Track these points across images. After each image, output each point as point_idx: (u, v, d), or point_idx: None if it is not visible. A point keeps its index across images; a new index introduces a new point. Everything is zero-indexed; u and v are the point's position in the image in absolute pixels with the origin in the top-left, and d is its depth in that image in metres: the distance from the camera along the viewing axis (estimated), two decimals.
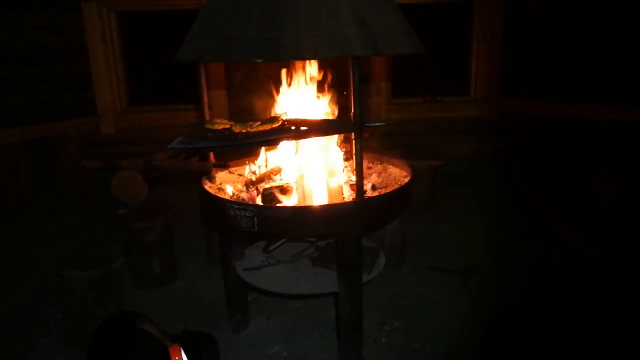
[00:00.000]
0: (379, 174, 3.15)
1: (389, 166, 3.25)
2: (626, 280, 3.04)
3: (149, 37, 6.07)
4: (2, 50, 5.64)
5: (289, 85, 2.95)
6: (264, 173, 3.00)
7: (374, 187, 2.90)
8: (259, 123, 2.46)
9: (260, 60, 2.23)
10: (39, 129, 5.34)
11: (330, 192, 2.68)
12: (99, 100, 5.83)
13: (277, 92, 3.00)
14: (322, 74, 2.91)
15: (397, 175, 3.07)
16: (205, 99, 2.83)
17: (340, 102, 3.00)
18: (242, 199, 2.73)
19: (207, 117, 2.77)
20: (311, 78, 2.90)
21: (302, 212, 2.50)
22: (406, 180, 2.87)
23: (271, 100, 3.06)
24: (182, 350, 2.40)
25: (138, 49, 6.06)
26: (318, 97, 2.95)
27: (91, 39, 5.67)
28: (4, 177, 5.06)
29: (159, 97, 6.07)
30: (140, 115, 6.01)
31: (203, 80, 2.80)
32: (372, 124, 2.54)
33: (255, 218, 2.43)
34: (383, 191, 2.77)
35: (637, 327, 2.67)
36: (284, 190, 2.74)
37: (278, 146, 2.92)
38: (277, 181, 2.90)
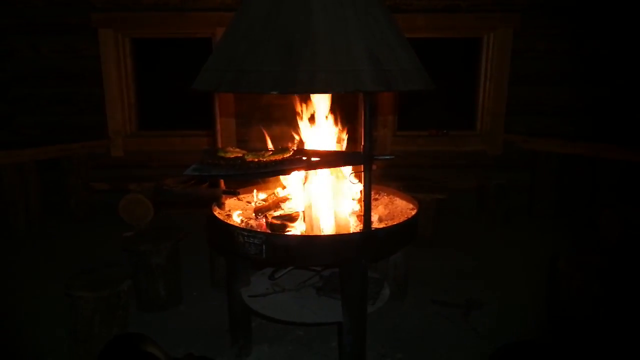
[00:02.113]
0: (386, 205, 3.20)
1: (395, 198, 3.30)
2: (628, 320, 3.06)
3: (161, 63, 6.20)
4: (19, 72, 5.78)
5: (301, 116, 3.02)
6: (273, 201, 3.05)
7: (380, 219, 2.94)
8: (271, 153, 2.52)
9: (275, 93, 2.30)
10: (50, 150, 5.42)
11: (337, 223, 2.72)
12: (110, 124, 5.93)
13: (289, 122, 3.07)
14: (333, 106, 2.98)
15: (403, 207, 3.12)
16: (218, 127, 2.90)
17: (350, 134, 3.08)
18: (251, 226, 2.78)
19: (220, 145, 2.84)
20: (323, 110, 2.97)
21: (310, 241, 2.54)
22: (413, 212, 2.92)
23: (280, 129, 3.13)
24: None
25: (150, 74, 6.19)
26: (329, 128, 3.01)
27: (105, 63, 5.79)
28: (15, 197, 5.11)
29: (168, 122, 6.16)
30: (150, 139, 6.09)
31: (217, 110, 2.87)
32: (381, 157, 2.60)
33: (264, 245, 2.48)
34: (390, 223, 2.81)
35: None
36: (292, 219, 2.79)
37: (289, 176, 2.97)
38: (286, 210, 2.95)
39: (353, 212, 2.92)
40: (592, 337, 3.10)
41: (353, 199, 3.02)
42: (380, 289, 2.99)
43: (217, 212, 2.87)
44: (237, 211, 3.02)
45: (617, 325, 3.10)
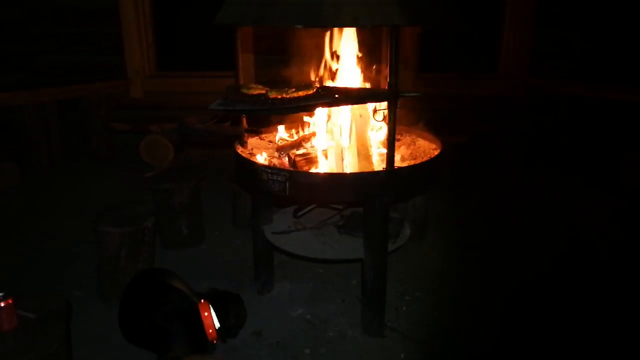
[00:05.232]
0: (408, 145, 3.18)
1: (418, 139, 3.27)
2: None
3: (179, 2, 6.09)
4: (37, 11, 5.71)
5: (325, 53, 2.97)
6: (296, 140, 3.04)
7: (403, 159, 2.93)
8: (294, 89, 2.49)
9: (300, 26, 2.25)
10: (70, 89, 5.42)
11: (361, 161, 2.72)
12: (129, 64, 5.89)
13: (311, 59, 3.02)
14: (358, 42, 2.92)
15: (426, 148, 3.09)
16: (240, 64, 2.86)
17: (372, 73, 3.02)
18: (274, 164, 2.78)
19: (242, 82, 2.81)
20: (348, 46, 2.91)
21: (333, 179, 2.54)
22: (436, 153, 2.90)
23: (301, 67, 3.08)
24: (211, 307, 2.49)
25: (168, 13, 6.08)
26: (353, 65, 2.96)
27: (123, 2, 5.70)
28: (37, 136, 5.17)
29: (187, 62, 6.11)
30: (169, 80, 6.06)
31: (239, 46, 2.83)
32: (407, 94, 2.54)
33: (287, 183, 2.48)
34: (412, 162, 2.80)
35: None
36: (315, 157, 2.79)
37: (313, 113, 2.95)
38: (309, 148, 2.94)
39: (376, 152, 2.90)
40: (612, 278, 3.12)
41: (377, 138, 3.00)
42: (400, 229, 3.01)
43: (240, 150, 2.87)
44: (260, 149, 3.02)
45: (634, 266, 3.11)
